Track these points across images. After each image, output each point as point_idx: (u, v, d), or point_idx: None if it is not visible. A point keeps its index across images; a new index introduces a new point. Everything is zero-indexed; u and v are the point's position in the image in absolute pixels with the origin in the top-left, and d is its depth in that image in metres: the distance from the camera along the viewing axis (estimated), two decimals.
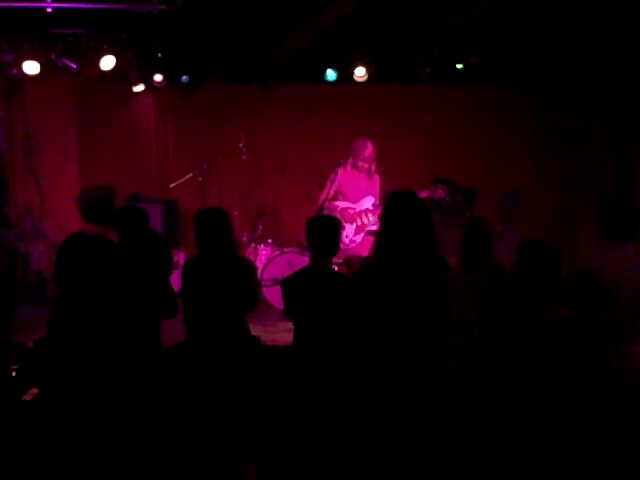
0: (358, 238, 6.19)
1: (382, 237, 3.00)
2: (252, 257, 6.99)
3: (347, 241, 6.08)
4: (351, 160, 6.10)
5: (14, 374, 4.13)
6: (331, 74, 7.79)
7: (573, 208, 8.29)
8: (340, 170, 6.04)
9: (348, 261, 5.75)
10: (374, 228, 6.06)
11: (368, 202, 6.14)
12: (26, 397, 3.92)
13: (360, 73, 7.63)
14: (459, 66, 7.73)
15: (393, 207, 3.00)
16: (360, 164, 6.07)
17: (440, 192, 5.97)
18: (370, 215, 6.13)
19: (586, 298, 3.56)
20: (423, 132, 8.33)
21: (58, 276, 4.07)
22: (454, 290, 2.89)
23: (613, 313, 3.54)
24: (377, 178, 6.22)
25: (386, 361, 2.86)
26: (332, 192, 6.05)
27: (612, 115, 8.24)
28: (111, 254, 3.94)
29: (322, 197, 6.08)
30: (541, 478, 3.01)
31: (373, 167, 6.16)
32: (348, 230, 6.07)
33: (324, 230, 3.87)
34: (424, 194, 5.83)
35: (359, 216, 6.15)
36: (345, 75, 7.78)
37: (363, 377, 2.93)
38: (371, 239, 6.03)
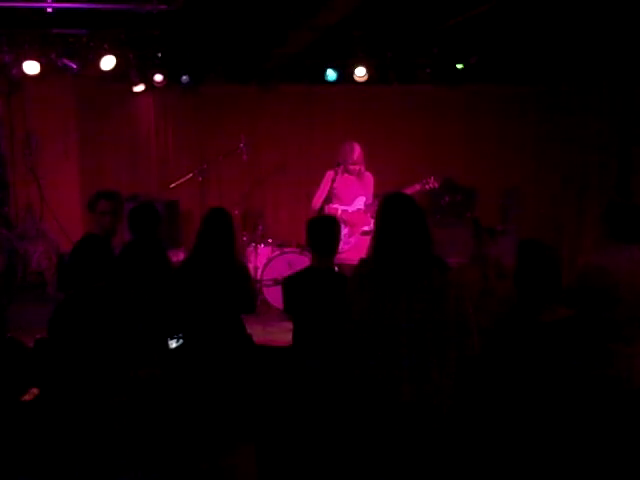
0: (352, 240, 6.18)
1: (377, 239, 3.01)
2: (252, 257, 6.99)
3: (341, 243, 6.05)
4: (342, 165, 6.11)
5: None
6: (331, 74, 7.79)
7: (573, 208, 8.30)
8: (339, 171, 6.05)
9: (343, 266, 5.74)
10: (367, 228, 6.06)
11: (360, 202, 6.14)
12: (26, 397, 3.92)
13: (360, 73, 7.63)
14: (459, 66, 7.73)
15: (386, 210, 3.01)
16: (350, 167, 6.06)
17: (433, 183, 5.87)
18: (362, 215, 6.12)
19: (589, 298, 3.54)
20: (423, 132, 8.34)
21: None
22: (453, 290, 2.89)
23: (616, 314, 3.53)
24: (368, 176, 6.18)
25: (385, 360, 2.86)
26: (327, 193, 6.05)
27: (612, 115, 8.23)
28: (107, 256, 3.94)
29: (319, 196, 6.07)
30: (542, 478, 3.01)
31: (363, 168, 6.14)
32: (342, 232, 6.05)
33: (325, 230, 3.89)
34: (416, 187, 5.79)
35: (352, 217, 6.14)
36: (345, 75, 7.78)
37: (362, 376, 2.94)
38: (365, 240, 6.02)
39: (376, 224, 3.08)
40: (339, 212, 6.08)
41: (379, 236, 3.01)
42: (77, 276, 3.91)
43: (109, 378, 3.51)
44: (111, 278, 3.71)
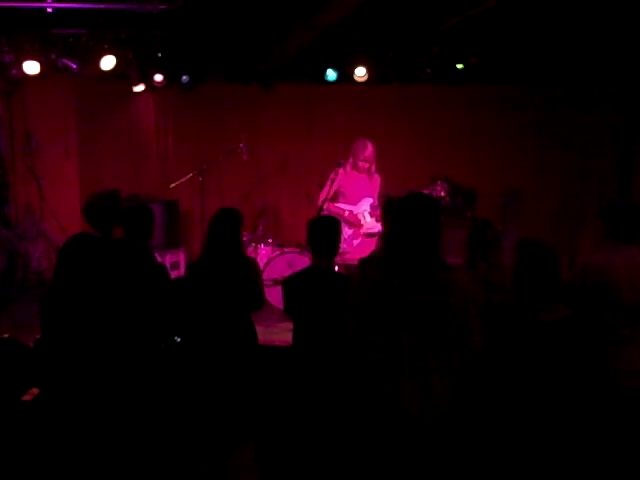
0: (356, 241, 6.17)
1: (392, 235, 2.99)
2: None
3: (345, 244, 6.07)
4: (351, 160, 6.09)
5: None
6: (331, 74, 7.79)
7: (573, 208, 8.30)
8: (340, 170, 6.03)
9: (347, 267, 5.74)
10: (372, 230, 6.05)
11: (366, 203, 6.13)
12: (26, 397, 3.92)
13: (360, 73, 7.63)
14: (459, 66, 7.73)
15: (409, 208, 2.98)
16: (360, 164, 6.06)
17: (440, 190, 5.94)
18: (368, 216, 6.11)
19: (588, 298, 3.55)
20: (423, 132, 8.34)
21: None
22: (455, 290, 2.89)
23: (615, 314, 3.53)
24: (377, 178, 6.19)
25: (386, 360, 2.86)
26: (332, 192, 6.04)
27: (612, 115, 8.24)
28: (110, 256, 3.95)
29: (322, 197, 6.07)
30: (541, 478, 3.01)
31: (373, 167, 6.14)
32: (346, 233, 6.04)
33: (324, 230, 3.88)
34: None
35: (357, 218, 6.14)
36: (345, 75, 7.78)
37: (363, 375, 2.94)
38: (369, 241, 6.02)
39: (395, 221, 3.05)
40: (346, 213, 6.07)
41: (395, 233, 2.99)
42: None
43: (108, 377, 3.51)
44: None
